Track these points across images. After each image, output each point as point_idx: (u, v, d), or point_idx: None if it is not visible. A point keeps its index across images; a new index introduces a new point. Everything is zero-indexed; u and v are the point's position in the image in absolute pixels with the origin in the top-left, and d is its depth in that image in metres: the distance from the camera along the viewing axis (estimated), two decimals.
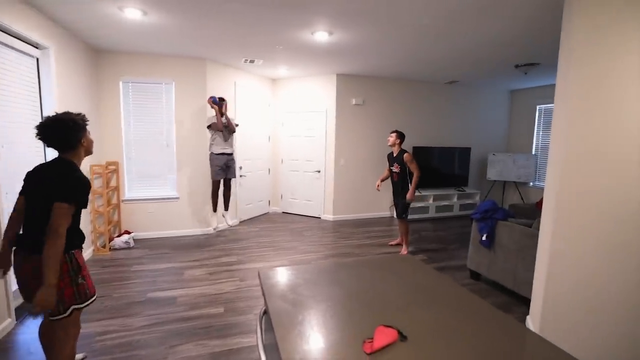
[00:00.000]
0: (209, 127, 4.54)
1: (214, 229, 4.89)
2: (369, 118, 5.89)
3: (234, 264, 3.76)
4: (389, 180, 4.41)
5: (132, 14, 2.97)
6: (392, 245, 4.56)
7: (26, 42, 2.87)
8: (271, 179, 6.30)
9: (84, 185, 1.64)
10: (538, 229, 2.58)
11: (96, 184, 3.96)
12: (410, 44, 3.74)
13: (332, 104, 5.67)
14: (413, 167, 3.98)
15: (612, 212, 1.84)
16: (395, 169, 4.15)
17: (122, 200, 4.49)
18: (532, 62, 4.41)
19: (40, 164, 1.71)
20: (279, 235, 4.89)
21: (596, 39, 1.92)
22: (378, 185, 4.37)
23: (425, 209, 6.05)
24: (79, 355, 2.01)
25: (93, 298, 1.73)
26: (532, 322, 2.41)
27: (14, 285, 2.57)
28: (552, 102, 5.81)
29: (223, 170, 4.55)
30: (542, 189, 5.92)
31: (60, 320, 1.63)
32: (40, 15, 2.97)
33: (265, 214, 6.18)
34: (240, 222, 5.51)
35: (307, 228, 5.32)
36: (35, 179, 1.65)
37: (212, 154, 4.53)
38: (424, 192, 6.08)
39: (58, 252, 1.51)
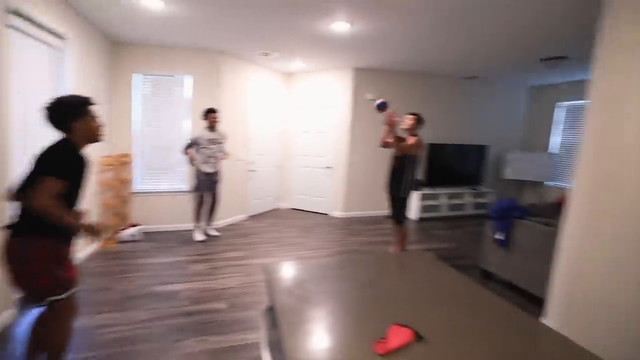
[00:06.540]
0: None
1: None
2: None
3: (240, 259, 3.68)
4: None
5: (153, 3, 2.91)
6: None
7: (47, 31, 2.80)
8: (281, 174, 6.22)
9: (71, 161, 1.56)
10: (558, 228, 2.44)
11: (108, 176, 3.95)
12: (431, 35, 3.58)
13: (347, 99, 5.54)
14: (420, 152, 3.49)
15: None
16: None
17: (132, 193, 4.46)
18: (559, 55, 4.16)
19: None
20: (287, 232, 4.80)
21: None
22: (385, 142, 3.58)
23: (436, 208, 5.89)
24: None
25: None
26: (548, 322, 2.28)
27: None
28: (575, 99, 5.63)
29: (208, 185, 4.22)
30: (561, 189, 5.69)
31: None
32: (60, 2, 2.91)
33: (274, 209, 6.10)
34: (249, 217, 5.45)
35: (316, 224, 5.22)
36: None
37: (198, 171, 4.14)
38: (437, 191, 5.91)
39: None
